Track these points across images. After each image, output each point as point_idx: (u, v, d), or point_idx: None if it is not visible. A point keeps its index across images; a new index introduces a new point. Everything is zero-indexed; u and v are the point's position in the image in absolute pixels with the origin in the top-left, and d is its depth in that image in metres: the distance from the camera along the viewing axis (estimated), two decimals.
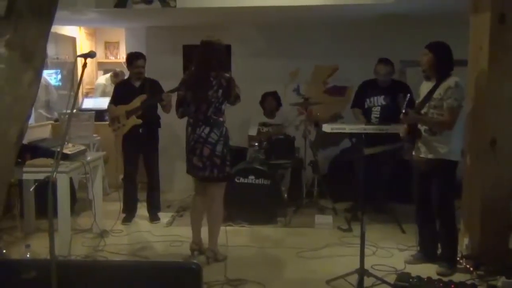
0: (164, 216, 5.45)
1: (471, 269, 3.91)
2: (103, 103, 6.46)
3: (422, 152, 3.93)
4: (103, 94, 7.57)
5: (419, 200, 4.07)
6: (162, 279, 2.79)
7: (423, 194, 4.01)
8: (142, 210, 5.50)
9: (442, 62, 3.84)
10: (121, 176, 5.55)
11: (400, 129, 4.10)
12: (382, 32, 6.30)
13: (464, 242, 4.14)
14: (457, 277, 3.78)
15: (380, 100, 5.30)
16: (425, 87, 3.99)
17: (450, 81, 3.78)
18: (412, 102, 4.25)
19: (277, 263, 4.21)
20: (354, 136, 5.10)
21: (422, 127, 3.91)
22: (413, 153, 4.02)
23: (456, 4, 4.76)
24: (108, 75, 7.94)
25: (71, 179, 4.62)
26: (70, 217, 4.45)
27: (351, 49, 6.43)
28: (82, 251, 4.43)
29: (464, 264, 4.00)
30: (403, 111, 3.83)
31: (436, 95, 3.84)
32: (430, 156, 3.88)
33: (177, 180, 6.71)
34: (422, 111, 3.91)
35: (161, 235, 4.89)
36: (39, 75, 3.62)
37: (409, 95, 4.00)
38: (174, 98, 4.98)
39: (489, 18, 3.87)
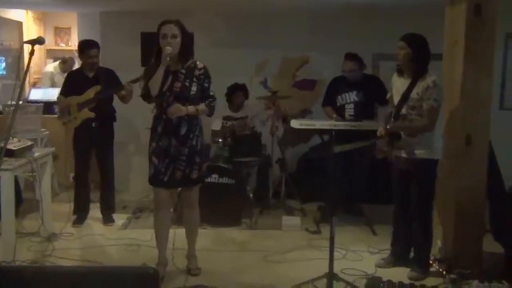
0: (119, 218, 5.42)
1: (444, 272, 4.01)
2: (52, 94, 6.36)
3: (401, 152, 4.00)
4: (51, 83, 7.47)
5: (398, 200, 4.16)
6: (117, 286, 2.77)
7: (402, 194, 4.09)
8: (95, 211, 5.44)
9: (420, 57, 3.86)
10: (72, 174, 5.49)
11: (376, 127, 4.13)
12: (355, 24, 6.38)
13: (437, 245, 4.24)
14: (430, 281, 3.89)
15: (352, 96, 5.36)
16: (399, 83, 4.01)
17: (429, 80, 3.81)
18: (384, 95, 4.32)
19: (242, 268, 4.23)
20: (324, 132, 5.16)
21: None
22: (392, 152, 4.07)
23: None
24: (56, 63, 7.83)
25: (16, 177, 4.55)
26: (15, 219, 4.39)
27: (322, 40, 6.50)
28: (29, 256, 4.36)
29: (437, 267, 4.11)
30: (388, 126, 3.86)
31: (413, 95, 3.86)
32: (410, 155, 3.94)
33: (133, 179, 6.66)
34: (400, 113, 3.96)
35: (116, 239, 4.86)
36: None
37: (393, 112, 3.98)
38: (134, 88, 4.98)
39: (465, 10, 3.92)
